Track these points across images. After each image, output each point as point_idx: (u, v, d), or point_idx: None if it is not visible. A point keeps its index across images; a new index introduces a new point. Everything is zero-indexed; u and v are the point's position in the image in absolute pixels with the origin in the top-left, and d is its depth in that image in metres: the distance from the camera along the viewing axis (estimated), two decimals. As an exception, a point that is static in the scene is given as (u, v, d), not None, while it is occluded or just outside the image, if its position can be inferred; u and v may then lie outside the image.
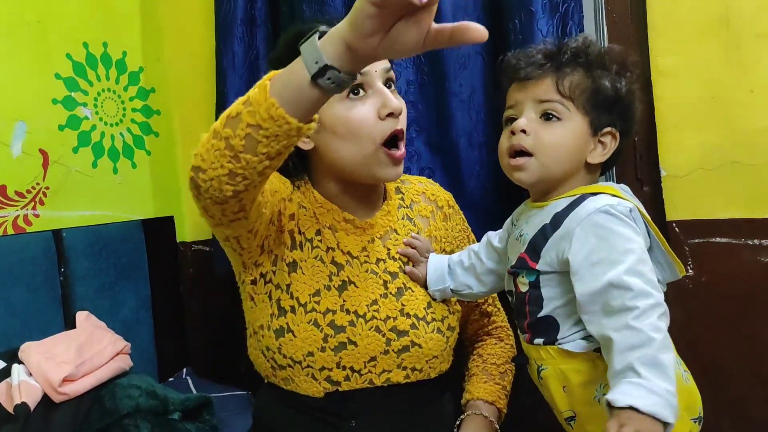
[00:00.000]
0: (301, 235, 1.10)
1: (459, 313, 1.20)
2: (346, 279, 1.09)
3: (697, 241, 1.39)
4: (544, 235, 0.94)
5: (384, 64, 1.05)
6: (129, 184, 2.03)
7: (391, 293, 1.10)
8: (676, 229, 1.40)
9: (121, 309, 1.92)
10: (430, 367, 1.10)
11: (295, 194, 1.13)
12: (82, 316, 1.71)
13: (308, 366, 1.04)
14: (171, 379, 2.04)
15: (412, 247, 1.15)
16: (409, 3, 0.68)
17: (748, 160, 1.33)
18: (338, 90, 0.78)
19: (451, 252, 1.24)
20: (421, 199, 1.25)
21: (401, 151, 1.06)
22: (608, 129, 0.97)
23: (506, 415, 1.19)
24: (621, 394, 0.78)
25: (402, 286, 1.12)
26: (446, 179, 1.59)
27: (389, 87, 1.08)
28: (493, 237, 1.15)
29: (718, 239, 1.36)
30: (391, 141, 1.05)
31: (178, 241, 2.17)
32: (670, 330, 1.41)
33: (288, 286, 1.07)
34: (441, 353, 1.11)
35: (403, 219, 1.19)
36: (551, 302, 0.95)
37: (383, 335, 1.06)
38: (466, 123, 1.56)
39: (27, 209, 1.73)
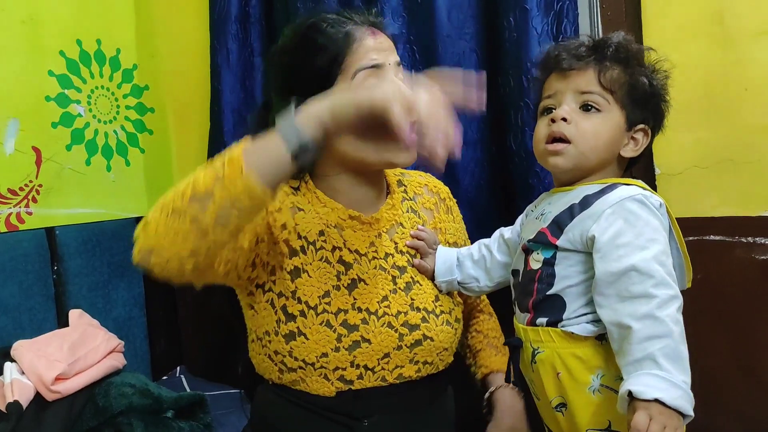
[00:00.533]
0: (302, 240, 1.08)
1: (462, 305, 1.21)
2: (356, 277, 1.08)
3: (691, 239, 1.38)
4: (571, 213, 0.95)
5: (395, 57, 1.06)
6: (123, 181, 2.03)
7: (400, 288, 1.10)
8: (671, 226, 1.40)
9: (115, 307, 1.92)
10: (440, 360, 1.11)
11: (288, 199, 1.10)
12: (75, 314, 1.70)
13: (321, 367, 1.04)
14: (165, 378, 2.04)
15: (420, 239, 1.15)
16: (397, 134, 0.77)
17: (743, 158, 1.33)
18: (309, 159, 0.84)
19: (455, 243, 1.24)
20: (423, 191, 1.25)
21: (414, 134, 1.05)
22: (641, 126, 0.99)
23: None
24: (646, 386, 0.78)
25: (410, 280, 1.12)
26: (440, 176, 1.58)
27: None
28: (506, 231, 1.16)
29: (712, 237, 1.36)
30: None
31: (172, 239, 2.16)
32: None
33: (293, 292, 1.06)
34: (450, 345, 1.12)
35: (408, 212, 1.19)
36: (563, 281, 0.94)
37: (396, 330, 1.06)
38: (461, 120, 1.55)
39: (20, 207, 1.73)
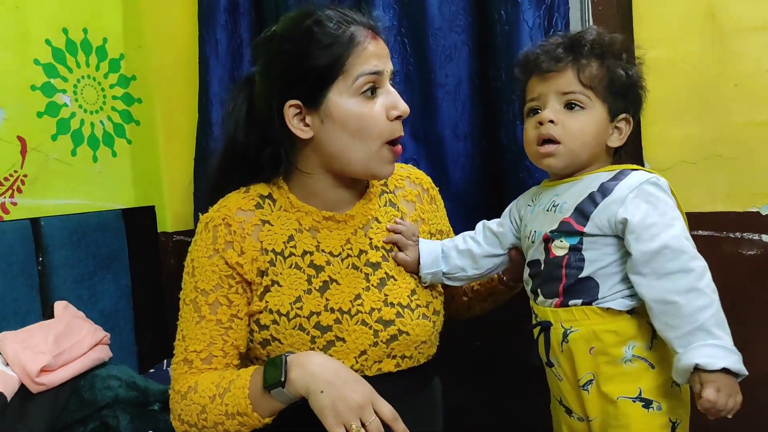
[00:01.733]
0: (270, 254, 1.08)
1: (442, 296, 1.20)
2: (327, 279, 1.08)
3: (679, 234, 1.39)
4: (593, 200, 1.00)
5: (391, 65, 1.08)
6: (109, 172, 2.01)
7: (373, 285, 1.10)
8: (659, 221, 1.41)
9: (101, 299, 1.90)
10: (419, 353, 1.11)
11: (252, 219, 1.09)
12: (60, 306, 1.68)
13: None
14: (152, 371, 2.02)
15: (397, 232, 1.15)
16: None
17: (731, 153, 1.34)
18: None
19: (439, 232, 1.25)
20: (405, 184, 1.24)
21: (399, 146, 1.09)
22: (623, 115, 1.05)
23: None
24: (711, 357, 0.85)
25: (384, 276, 1.11)
26: (431, 170, 1.58)
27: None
28: (492, 224, 1.20)
29: (700, 232, 1.37)
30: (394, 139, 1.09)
31: (159, 231, 2.15)
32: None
33: (265, 307, 1.07)
34: (429, 338, 1.12)
35: (385, 206, 1.18)
36: (594, 264, 0.99)
37: (370, 327, 1.06)
38: (451, 114, 1.56)
39: (4, 197, 1.70)
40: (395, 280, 1.12)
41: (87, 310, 1.77)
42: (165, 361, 2.07)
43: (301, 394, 0.95)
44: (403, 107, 1.06)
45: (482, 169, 1.55)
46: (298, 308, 1.05)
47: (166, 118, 2.14)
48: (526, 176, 1.40)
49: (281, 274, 1.07)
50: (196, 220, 1.90)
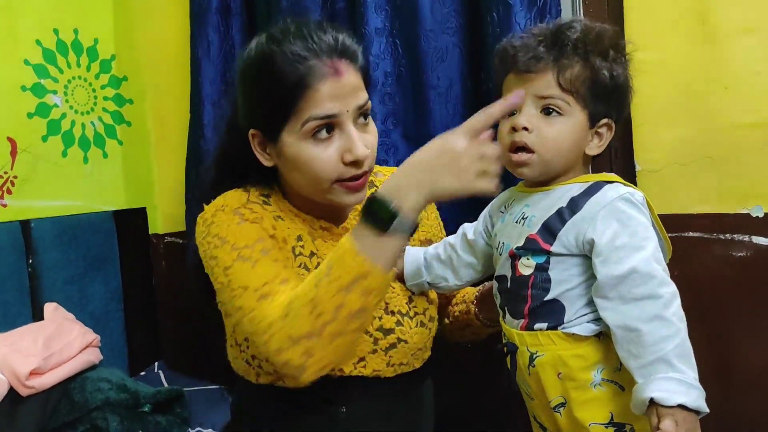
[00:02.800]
0: (285, 244, 1.05)
1: (436, 302, 1.19)
2: None
3: (670, 235, 1.38)
4: (561, 217, 0.93)
5: (356, 102, 0.98)
6: (100, 174, 2.00)
7: None
8: (650, 223, 1.41)
9: (91, 301, 1.89)
10: (415, 359, 1.10)
11: (266, 210, 1.06)
12: (50, 308, 1.68)
13: None
14: (143, 373, 2.01)
15: None
16: None
17: (721, 155, 1.34)
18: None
19: (428, 240, 1.23)
20: None
21: (360, 180, 1.01)
22: (605, 120, 0.97)
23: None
24: (667, 392, 0.80)
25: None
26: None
27: (365, 119, 1.02)
28: (468, 229, 1.14)
29: (691, 234, 1.38)
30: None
31: (150, 232, 2.14)
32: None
33: None
34: (425, 345, 1.12)
35: None
36: (560, 285, 0.93)
37: (370, 335, 1.05)
38: (443, 116, 1.56)
39: (-6, 199, 1.70)
40: (393, 288, 1.11)
41: (77, 312, 1.76)
42: (156, 363, 2.06)
43: (422, 205, 0.87)
44: (358, 152, 0.97)
45: (474, 171, 1.55)
46: None
47: (157, 119, 2.14)
48: (518, 178, 1.40)
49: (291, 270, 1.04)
50: (188, 221, 1.92)
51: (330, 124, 0.97)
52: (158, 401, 1.57)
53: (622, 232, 0.88)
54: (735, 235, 1.34)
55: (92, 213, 1.95)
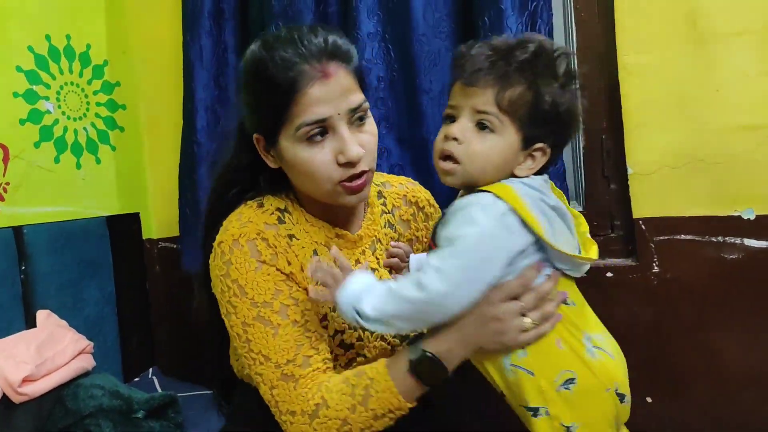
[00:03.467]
0: (303, 271, 1.05)
1: None
2: None
3: (662, 238, 1.40)
4: (443, 221, 0.97)
5: (348, 104, 0.99)
6: (93, 179, 1.99)
7: None
8: (642, 226, 1.41)
9: (85, 307, 1.88)
10: None
11: (280, 233, 1.05)
12: (42, 315, 1.67)
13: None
14: (136, 379, 2.01)
15: (393, 256, 1.14)
16: None
17: (713, 158, 1.35)
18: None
19: (417, 237, 1.23)
20: (402, 203, 1.23)
21: (360, 181, 1.01)
22: (539, 145, 0.96)
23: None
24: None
25: None
26: (416, 176, 1.58)
27: (361, 121, 1.02)
28: None
29: (683, 236, 1.38)
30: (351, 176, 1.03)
31: (144, 238, 2.14)
32: (638, 325, 1.43)
33: None
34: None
35: (385, 227, 1.17)
36: None
37: (388, 343, 1.07)
38: (436, 120, 1.56)
39: (-14, 205, 1.69)
40: None
41: (71, 318, 1.75)
42: (150, 369, 2.05)
43: (462, 358, 0.94)
44: (352, 153, 0.98)
45: (467, 175, 1.56)
46: (324, 326, 1.04)
47: (150, 124, 2.13)
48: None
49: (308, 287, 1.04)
50: (182, 226, 1.92)
51: (323, 127, 0.98)
52: (152, 407, 1.56)
53: (452, 229, 0.91)
54: (726, 238, 1.35)
55: (85, 219, 1.94)
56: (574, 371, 0.91)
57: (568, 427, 0.90)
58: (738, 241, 1.34)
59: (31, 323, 1.69)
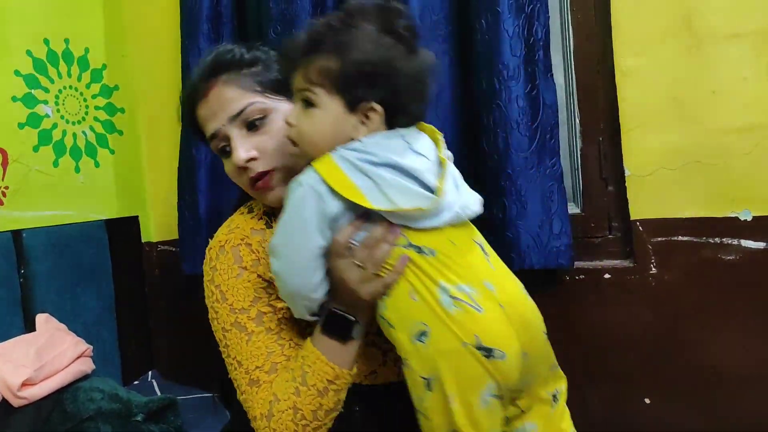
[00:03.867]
0: None
1: None
2: None
3: (660, 239, 1.41)
4: None
5: (228, 113, 1.04)
6: (92, 183, 2.00)
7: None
8: (640, 227, 1.42)
9: (84, 311, 1.89)
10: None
11: (266, 235, 1.08)
12: (41, 319, 1.67)
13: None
14: (136, 382, 2.01)
15: None
16: None
17: (710, 159, 1.35)
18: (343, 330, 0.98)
19: None
20: None
21: (260, 183, 1.05)
22: (366, 104, 0.94)
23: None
24: None
25: None
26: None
27: (255, 124, 1.05)
28: None
29: (680, 238, 1.39)
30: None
31: (143, 241, 2.14)
32: (636, 327, 1.43)
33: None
34: None
35: None
36: None
37: (379, 348, 1.05)
38: (433, 122, 1.52)
39: (-15, 209, 1.69)
40: None
41: (70, 321, 1.75)
42: (150, 372, 2.06)
43: (369, 313, 0.96)
44: (236, 159, 1.03)
45: (464, 177, 1.55)
46: (309, 333, 1.03)
47: (149, 127, 2.14)
48: (509, 183, 1.41)
49: None
50: (181, 229, 1.92)
51: (224, 139, 1.05)
52: (151, 410, 1.56)
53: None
54: (724, 239, 1.35)
55: (84, 222, 1.95)
56: (427, 324, 0.89)
57: (427, 380, 0.89)
58: (735, 242, 1.34)
59: (30, 327, 1.69)
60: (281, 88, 1.06)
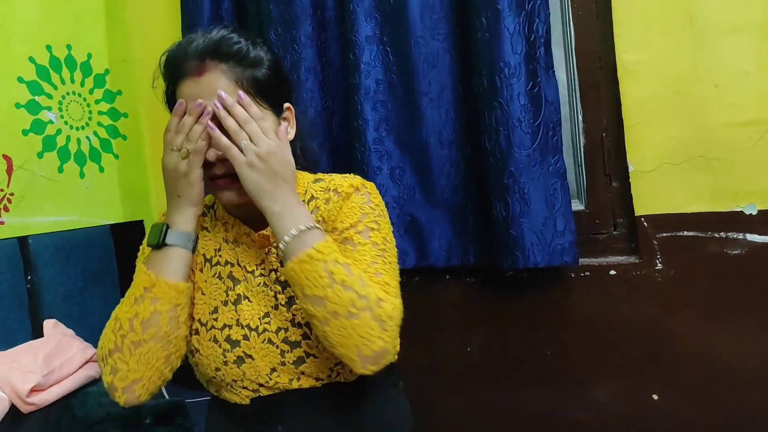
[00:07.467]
0: (201, 257, 1.09)
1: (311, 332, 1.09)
2: (241, 293, 1.06)
3: (665, 234, 1.40)
4: None
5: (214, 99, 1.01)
6: (97, 188, 2.00)
7: (281, 304, 1.04)
8: (645, 223, 1.41)
9: (91, 316, 1.89)
10: (337, 374, 1.05)
11: (199, 221, 1.08)
12: (49, 325, 1.67)
13: (222, 380, 1.05)
14: (144, 386, 2.01)
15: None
16: None
17: (713, 154, 1.35)
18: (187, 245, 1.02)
19: (333, 230, 1.08)
20: (321, 194, 1.11)
21: (221, 180, 1.03)
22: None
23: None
24: None
25: (293, 294, 1.04)
26: (416, 178, 1.59)
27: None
28: None
29: (685, 233, 1.38)
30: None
31: (148, 245, 2.14)
32: (642, 322, 1.43)
33: (192, 316, 1.07)
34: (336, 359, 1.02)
35: None
36: None
37: (276, 347, 1.03)
38: (435, 121, 1.56)
39: (-9, 216, 1.70)
40: (249, 301, 1.07)
41: (77, 326, 1.76)
42: (158, 375, 2.06)
43: (188, 217, 1.03)
44: (209, 153, 1.02)
45: (467, 176, 1.56)
46: (214, 319, 1.05)
47: (152, 131, 2.14)
48: (511, 182, 1.41)
49: (206, 281, 1.07)
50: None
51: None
52: (159, 413, 1.56)
53: None
54: (729, 233, 1.35)
55: (90, 227, 1.95)
56: None
57: None
58: (740, 236, 1.34)
59: (38, 333, 1.69)
60: (271, 97, 1.03)
